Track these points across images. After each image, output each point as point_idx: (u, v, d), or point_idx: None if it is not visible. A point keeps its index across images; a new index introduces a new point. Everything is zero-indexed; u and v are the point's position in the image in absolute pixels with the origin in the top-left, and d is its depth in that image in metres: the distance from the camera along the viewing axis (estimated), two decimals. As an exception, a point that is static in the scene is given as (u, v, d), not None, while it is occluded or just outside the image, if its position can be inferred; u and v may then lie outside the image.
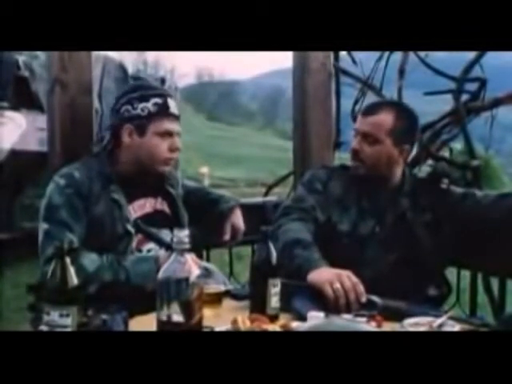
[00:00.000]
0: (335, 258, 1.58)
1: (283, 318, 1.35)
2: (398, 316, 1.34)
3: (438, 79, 2.79)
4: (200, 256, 2.04)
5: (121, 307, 1.21)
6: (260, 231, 1.44)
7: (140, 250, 1.72)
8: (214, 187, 2.36)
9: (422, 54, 2.78)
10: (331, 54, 2.62)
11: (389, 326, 1.32)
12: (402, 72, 2.84)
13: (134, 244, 1.70)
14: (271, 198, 2.88)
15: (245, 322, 1.24)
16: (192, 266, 1.12)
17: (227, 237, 1.89)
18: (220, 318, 1.35)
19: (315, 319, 1.29)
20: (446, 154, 2.99)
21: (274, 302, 1.37)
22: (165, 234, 1.75)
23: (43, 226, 1.63)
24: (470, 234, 1.78)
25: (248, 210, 1.97)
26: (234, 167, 14.94)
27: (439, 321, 1.30)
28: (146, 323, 1.20)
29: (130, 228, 1.69)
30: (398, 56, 2.86)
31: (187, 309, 1.09)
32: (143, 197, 1.77)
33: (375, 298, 1.43)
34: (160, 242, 1.73)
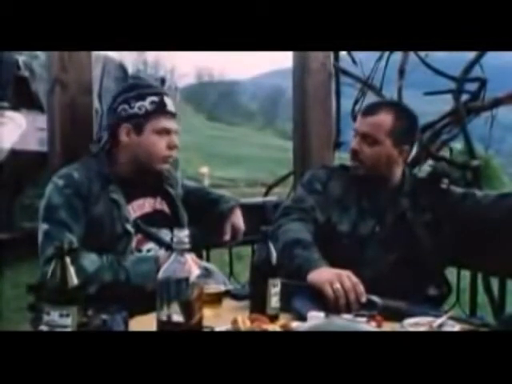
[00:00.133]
0: (335, 258, 1.58)
1: (283, 318, 1.35)
2: (398, 316, 1.34)
3: (438, 79, 2.79)
4: (200, 256, 2.04)
5: (121, 307, 1.21)
6: (260, 231, 1.44)
7: (140, 250, 1.72)
8: (214, 187, 2.36)
9: (422, 53, 2.78)
10: (331, 54, 2.62)
11: (389, 326, 1.31)
12: (402, 72, 2.85)
13: (133, 244, 1.70)
14: (271, 197, 2.88)
15: (245, 322, 1.24)
16: (192, 266, 1.12)
17: (227, 237, 1.89)
18: (220, 318, 1.35)
19: (315, 319, 1.29)
20: (446, 154, 2.99)
21: (274, 301, 1.37)
22: (164, 234, 1.76)
23: (43, 227, 1.63)
24: (470, 234, 1.78)
25: (248, 210, 1.97)
26: (234, 167, 14.94)
27: (439, 321, 1.30)
28: (145, 323, 1.20)
29: (129, 228, 1.69)
30: (398, 56, 2.86)
31: (187, 309, 1.09)
32: (142, 197, 1.77)
33: (375, 298, 1.43)
34: (160, 242, 1.73)
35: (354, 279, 1.46)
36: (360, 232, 1.79)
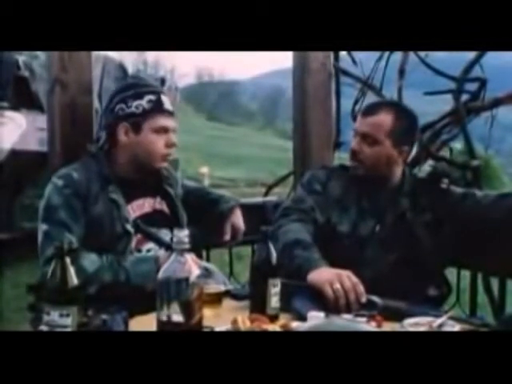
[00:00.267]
0: (335, 259, 1.58)
1: (283, 318, 1.35)
2: (398, 316, 1.34)
3: (438, 79, 2.79)
4: (200, 256, 2.04)
5: (121, 307, 1.21)
6: (260, 231, 1.44)
7: (139, 250, 1.72)
8: (214, 187, 2.36)
9: (422, 53, 2.78)
10: (331, 54, 2.62)
11: (389, 326, 1.31)
12: (402, 72, 2.85)
13: (133, 244, 1.70)
14: (271, 198, 2.88)
15: (245, 322, 1.24)
16: (192, 266, 1.12)
17: (227, 237, 1.89)
18: (220, 318, 1.35)
19: (315, 319, 1.29)
20: (446, 154, 2.99)
21: (274, 302, 1.37)
22: (164, 234, 1.76)
23: (42, 227, 1.63)
24: (470, 233, 1.78)
25: (248, 210, 1.97)
26: (234, 167, 14.93)
27: (439, 321, 1.30)
28: (145, 323, 1.20)
29: (128, 228, 1.69)
30: (398, 56, 2.86)
31: (187, 309, 1.09)
32: (142, 196, 1.77)
33: (375, 298, 1.43)
34: (159, 242, 1.73)
35: (354, 279, 1.46)
36: (360, 232, 1.79)
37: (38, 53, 5.19)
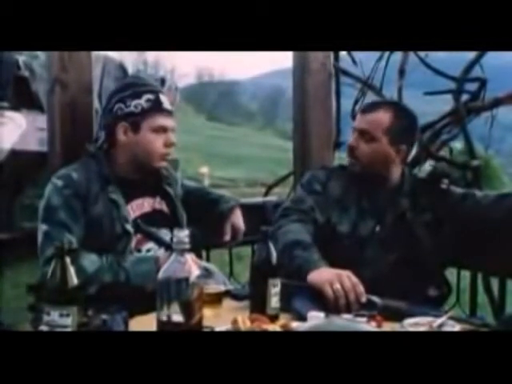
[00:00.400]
0: (335, 259, 1.58)
1: (283, 318, 1.35)
2: (398, 316, 1.34)
3: (438, 79, 2.79)
4: (200, 256, 2.04)
5: (121, 307, 1.21)
6: (260, 231, 1.44)
7: (139, 250, 1.72)
8: (214, 187, 2.35)
9: (422, 53, 2.79)
10: (331, 54, 2.62)
11: (389, 326, 1.31)
12: (402, 72, 2.85)
13: (133, 244, 1.70)
14: (271, 198, 2.88)
15: (245, 322, 1.24)
16: (192, 266, 1.12)
17: (227, 237, 1.89)
18: (220, 318, 1.35)
19: (315, 319, 1.29)
20: (446, 154, 2.99)
21: (274, 302, 1.37)
22: (164, 234, 1.76)
23: (42, 227, 1.63)
24: (470, 234, 1.78)
25: (248, 210, 1.97)
26: (234, 167, 14.93)
27: (439, 321, 1.30)
28: (145, 323, 1.20)
29: (128, 228, 1.69)
30: (398, 56, 2.86)
31: (187, 309, 1.09)
32: (141, 196, 1.77)
33: (375, 298, 1.43)
34: (159, 242, 1.73)
35: (354, 279, 1.46)
36: (360, 232, 1.79)
37: (38, 53, 5.18)
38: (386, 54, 2.87)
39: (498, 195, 1.80)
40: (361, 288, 1.45)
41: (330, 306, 1.42)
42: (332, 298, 1.43)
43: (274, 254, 1.40)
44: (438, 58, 2.75)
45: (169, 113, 1.76)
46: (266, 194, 3.29)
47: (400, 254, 1.76)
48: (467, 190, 1.88)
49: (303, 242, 1.64)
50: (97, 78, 5.36)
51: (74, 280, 1.06)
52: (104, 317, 1.16)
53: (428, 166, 2.74)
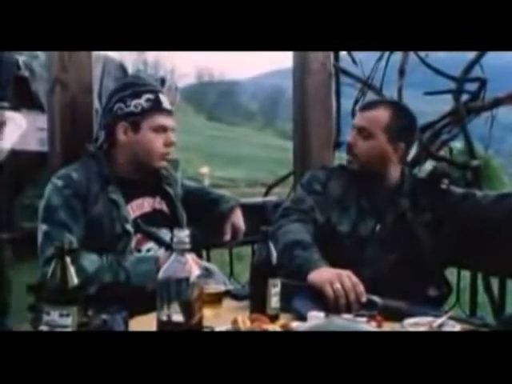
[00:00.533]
0: (335, 259, 1.58)
1: (283, 318, 1.35)
2: (398, 316, 1.34)
3: (438, 79, 2.79)
4: (200, 256, 2.04)
5: (121, 307, 1.21)
6: (260, 231, 1.44)
7: (139, 250, 1.72)
8: (214, 187, 2.35)
9: (422, 53, 2.79)
10: (331, 54, 2.62)
11: (389, 326, 1.31)
12: (402, 72, 2.85)
13: (133, 244, 1.70)
14: (271, 198, 2.88)
15: (245, 322, 1.24)
16: (192, 266, 1.12)
17: (227, 237, 1.89)
18: (220, 318, 1.35)
19: (315, 319, 1.29)
20: (446, 154, 2.99)
21: (274, 302, 1.37)
22: (164, 234, 1.76)
23: (42, 227, 1.63)
24: (470, 234, 1.78)
25: (248, 210, 1.97)
26: (234, 167, 14.94)
27: (439, 321, 1.30)
28: (146, 323, 1.20)
29: (128, 228, 1.69)
30: (398, 56, 2.86)
31: (187, 309, 1.09)
32: (141, 196, 1.77)
33: (375, 298, 1.43)
34: (159, 242, 1.73)
35: (354, 279, 1.46)
36: (360, 232, 1.79)
37: (38, 53, 5.19)
38: (386, 53, 2.87)
39: (497, 195, 1.80)
40: (361, 288, 1.45)
41: (330, 305, 1.42)
42: (332, 297, 1.43)
43: (274, 254, 1.40)
44: (438, 58, 2.75)
45: (169, 112, 1.76)
46: (266, 194, 3.29)
47: (400, 253, 1.76)
48: (467, 190, 1.88)
49: (303, 241, 1.64)
50: (97, 77, 5.36)
51: (74, 280, 1.06)
52: (104, 317, 1.16)
53: (428, 165, 2.74)
